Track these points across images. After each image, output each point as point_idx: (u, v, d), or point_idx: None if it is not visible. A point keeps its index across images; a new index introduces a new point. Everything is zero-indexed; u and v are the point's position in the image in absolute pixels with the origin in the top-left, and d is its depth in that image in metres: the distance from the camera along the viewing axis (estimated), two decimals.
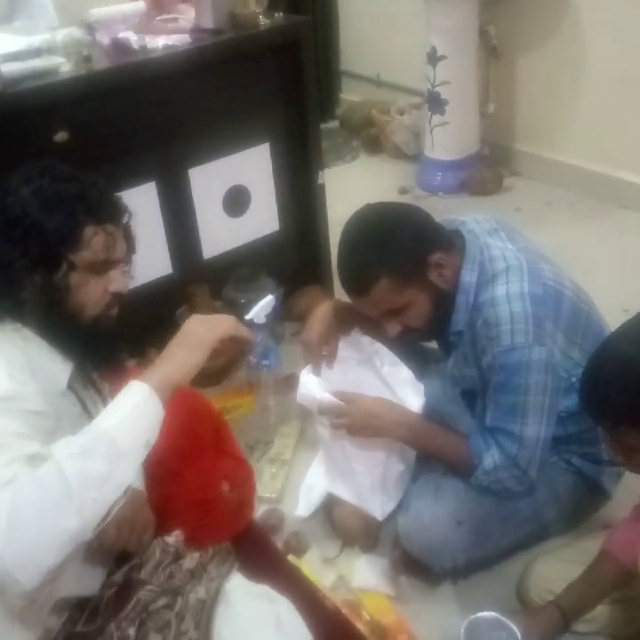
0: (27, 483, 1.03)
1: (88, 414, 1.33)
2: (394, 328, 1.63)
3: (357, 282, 1.58)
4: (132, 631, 1.28)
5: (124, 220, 1.35)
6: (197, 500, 1.62)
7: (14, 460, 1.06)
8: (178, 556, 1.40)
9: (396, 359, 1.79)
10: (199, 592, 1.36)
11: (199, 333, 1.30)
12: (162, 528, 1.43)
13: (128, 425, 1.16)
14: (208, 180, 2.32)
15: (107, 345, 1.33)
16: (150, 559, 1.39)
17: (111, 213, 1.31)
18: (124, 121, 2.06)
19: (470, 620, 1.43)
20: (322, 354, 1.77)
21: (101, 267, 1.29)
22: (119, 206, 1.34)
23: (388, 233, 1.55)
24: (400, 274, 1.54)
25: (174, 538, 1.43)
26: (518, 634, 1.39)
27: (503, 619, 1.42)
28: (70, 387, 1.30)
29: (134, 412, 1.18)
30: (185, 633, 1.29)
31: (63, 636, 1.30)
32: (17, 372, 1.17)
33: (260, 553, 1.72)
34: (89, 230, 1.26)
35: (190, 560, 1.40)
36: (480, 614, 1.44)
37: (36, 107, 1.88)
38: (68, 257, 1.25)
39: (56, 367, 1.27)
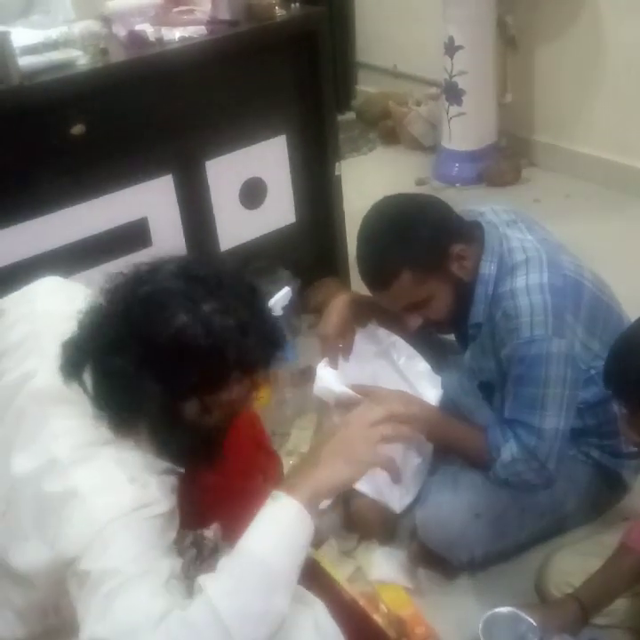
0: (181, 630, 0.95)
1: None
2: (415, 321, 1.62)
3: (378, 276, 1.57)
4: None
5: (279, 360, 1.18)
6: (240, 489, 1.61)
7: (157, 591, 0.98)
8: (216, 550, 1.39)
9: (413, 351, 1.78)
10: None
11: (358, 448, 1.13)
12: (201, 521, 1.41)
13: (283, 550, 1.04)
14: (225, 173, 2.31)
15: (215, 448, 1.23)
16: (187, 553, 1.36)
17: (267, 362, 1.15)
18: (140, 113, 2.06)
19: (488, 616, 1.42)
20: (338, 347, 1.77)
21: (235, 404, 1.17)
22: (277, 348, 1.16)
23: (408, 225, 1.54)
24: (421, 267, 1.53)
25: (213, 532, 1.42)
26: (537, 627, 1.38)
27: (521, 613, 1.41)
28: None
29: (289, 535, 1.05)
30: None
31: None
32: (137, 474, 1.07)
33: None
34: (235, 380, 1.11)
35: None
36: (497, 610, 1.43)
37: (54, 99, 1.88)
38: (201, 397, 1.12)
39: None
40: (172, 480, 1.16)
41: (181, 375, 1.07)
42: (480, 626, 1.39)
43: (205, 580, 1.01)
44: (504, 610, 1.43)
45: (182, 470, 1.17)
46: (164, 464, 1.15)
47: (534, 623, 1.39)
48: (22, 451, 1.10)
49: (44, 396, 1.13)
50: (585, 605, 1.48)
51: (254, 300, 1.14)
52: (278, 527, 1.05)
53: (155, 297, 1.08)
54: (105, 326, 1.10)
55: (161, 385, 1.07)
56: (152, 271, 1.12)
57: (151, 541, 1.04)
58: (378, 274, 1.57)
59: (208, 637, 0.96)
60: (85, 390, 1.11)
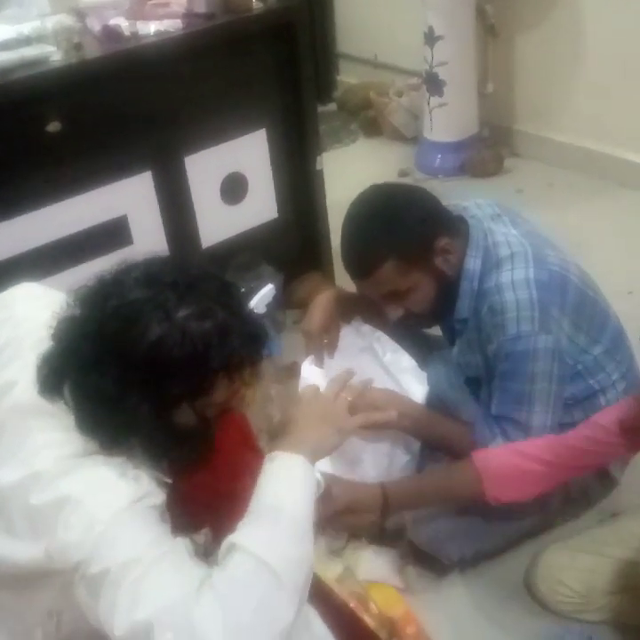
0: (228, 587, 0.96)
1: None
2: (395, 312, 1.61)
3: (361, 263, 1.55)
4: None
5: (263, 354, 1.16)
6: (227, 490, 1.59)
7: (184, 564, 0.99)
8: (207, 554, 1.37)
9: (398, 347, 1.77)
10: None
11: (338, 416, 1.26)
12: (190, 526, 1.39)
13: (301, 499, 1.09)
14: (205, 168, 2.28)
15: (203, 450, 1.18)
16: None
17: (251, 360, 1.11)
18: (117, 109, 2.01)
19: None
20: (323, 343, 1.75)
21: (225, 405, 1.14)
22: (260, 344, 1.13)
23: (395, 215, 1.52)
24: (405, 257, 1.52)
25: (203, 536, 1.40)
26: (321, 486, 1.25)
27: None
28: None
29: (301, 486, 1.11)
30: None
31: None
32: (126, 470, 1.05)
33: None
34: (222, 383, 1.08)
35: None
36: None
37: (27, 97, 1.83)
38: (189, 403, 1.08)
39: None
40: (159, 480, 1.13)
41: (165, 388, 1.03)
42: None
43: (236, 537, 1.02)
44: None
45: (170, 480, 1.14)
46: (154, 473, 1.12)
47: (322, 483, 1.25)
48: (4, 465, 1.06)
49: (25, 409, 1.10)
50: (387, 493, 1.46)
51: (229, 299, 1.09)
52: (292, 481, 1.10)
53: (124, 311, 1.02)
54: (79, 344, 1.05)
55: (146, 402, 1.03)
56: (117, 283, 1.06)
57: (158, 527, 1.03)
58: (361, 261, 1.55)
59: (259, 586, 0.96)
60: (68, 405, 1.07)
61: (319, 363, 1.74)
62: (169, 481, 1.14)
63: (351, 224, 1.57)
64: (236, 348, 1.06)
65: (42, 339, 1.09)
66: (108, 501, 1.01)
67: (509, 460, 1.41)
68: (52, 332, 1.07)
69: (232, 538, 1.03)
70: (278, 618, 0.97)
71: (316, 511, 1.19)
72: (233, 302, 1.10)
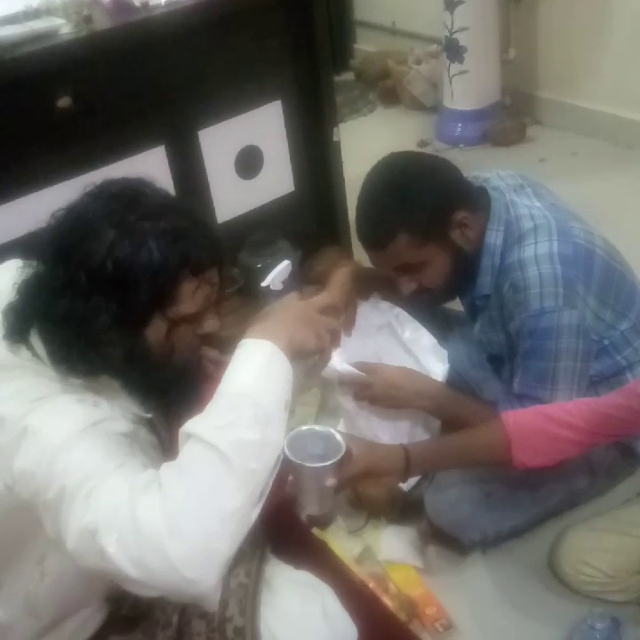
0: (177, 479, 0.92)
1: (162, 446, 1.21)
2: (408, 285, 1.57)
3: (375, 235, 1.51)
4: (175, 618, 1.25)
5: (224, 260, 1.15)
6: None
7: (138, 472, 0.96)
8: None
9: (418, 324, 1.72)
10: (239, 575, 1.31)
11: (319, 320, 1.15)
12: None
13: (265, 384, 1.01)
14: (219, 142, 2.23)
15: (190, 390, 1.15)
16: None
17: (214, 260, 1.10)
18: (129, 83, 1.97)
19: (295, 432, 1.25)
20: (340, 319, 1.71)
21: (196, 317, 1.12)
22: (221, 246, 1.13)
23: (411, 186, 1.48)
24: (420, 230, 1.47)
25: None
26: (342, 448, 1.24)
27: (333, 432, 1.28)
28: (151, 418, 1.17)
29: (267, 371, 1.02)
30: (230, 619, 1.25)
31: (108, 618, 1.27)
32: (89, 399, 1.05)
33: (287, 528, 1.68)
34: (188, 286, 1.07)
35: None
36: (309, 427, 1.29)
37: (37, 72, 1.79)
38: (159, 313, 1.07)
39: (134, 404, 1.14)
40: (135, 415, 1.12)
41: (132, 292, 1.03)
42: (286, 440, 1.16)
43: (188, 426, 0.97)
44: (318, 427, 1.30)
45: (148, 415, 1.13)
46: (129, 406, 1.11)
47: (343, 445, 1.24)
48: None
49: None
50: (410, 456, 1.39)
51: (180, 205, 1.11)
52: (255, 365, 1.02)
53: (78, 225, 1.04)
54: (42, 280, 1.07)
55: (116, 311, 1.03)
56: (68, 208, 1.08)
57: (116, 450, 1.00)
58: (374, 233, 1.51)
59: (204, 471, 0.93)
60: (35, 354, 1.07)
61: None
62: (147, 416, 1.12)
63: (366, 193, 1.53)
64: (194, 246, 1.06)
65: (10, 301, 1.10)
66: (62, 426, 1.00)
67: (539, 424, 1.35)
68: (15, 287, 1.09)
69: (184, 427, 0.98)
70: (224, 503, 0.92)
71: (336, 474, 1.19)
72: (182, 206, 1.11)
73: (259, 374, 1.02)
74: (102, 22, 1.95)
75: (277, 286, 1.92)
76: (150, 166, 2.09)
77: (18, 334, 1.07)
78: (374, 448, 1.43)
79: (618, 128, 3.27)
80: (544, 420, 1.35)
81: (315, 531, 1.73)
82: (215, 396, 1.02)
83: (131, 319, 1.05)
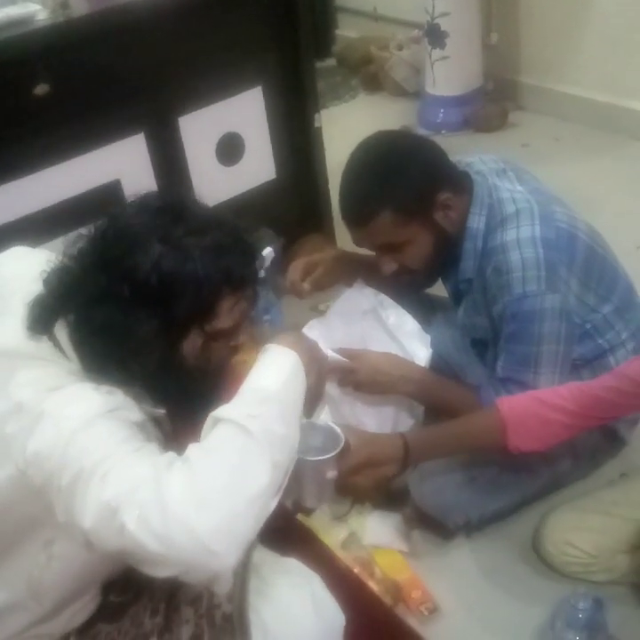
0: (201, 451, 0.96)
1: (165, 441, 1.19)
2: (389, 265, 1.57)
3: (357, 212, 1.51)
4: (162, 605, 1.25)
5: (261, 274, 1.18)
6: None
7: (157, 454, 0.98)
8: None
9: (401, 310, 1.72)
10: None
11: (320, 362, 1.22)
12: None
13: (291, 388, 1.08)
14: (199, 129, 2.21)
15: (213, 393, 1.17)
16: None
17: (253, 276, 1.13)
18: (107, 70, 1.95)
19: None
20: (304, 288, 1.72)
21: (232, 331, 1.14)
22: (258, 262, 1.16)
23: (395, 165, 1.48)
24: (403, 209, 1.47)
25: None
26: (342, 440, 1.25)
27: (331, 424, 1.29)
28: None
29: (294, 376, 1.10)
30: (218, 606, 1.25)
31: (96, 604, 1.25)
32: (103, 388, 1.05)
33: (273, 514, 1.68)
34: (227, 301, 1.09)
35: None
36: (305, 420, 1.24)
37: (13, 58, 1.78)
38: (197, 327, 1.09)
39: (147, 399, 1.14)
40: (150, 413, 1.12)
41: (173, 306, 1.04)
42: None
43: (219, 411, 1.00)
44: (316, 420, 1.31)
45: (162, 411, 1.13)
46: (144, 406, 1.11)
47: (342, 437, 1.26)
48: None
49: (12, 353, 1.08)
50: (408, 444, 1.40)
51: (222, 220, 1.13)
52: (284, 369, 1.09)
53: (124, 236, 1.05)
54: (77, 283, 1.06)
55: (157, 324, 1.04)
56: (111, 218, 1.09)
57: (133, 434, 1.01)
58: (357, 210, 1.51)
59: (234, 449, 0.96)
60: (58, 346, 1.07)
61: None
62: (160, 411, 1.13)
63: (351, 170, 1.53)
64: (236, 262, 1.08)
65: (32, 292, 1.09)
66: (79, 409, 1.00)
67: (533, 409, 1.36)
68: (43, 277, 1.09)
69: (215, 413, 1.01)
70: (252, 484, 0.95)
71: (336, 466, 1.22)
72: (225, 222, 1.13)
73: (287, 379, 1.08)
74: (79, 8, 1.94)
75: (260, 274, 1.90)
76: (130, 153, 2.08)
77: (42, 325, 1.07)
78: (372, 438, 1.44)
79: (600, 113, 3.27)
80: (537, 405, 1.36)
81: (299, 517, 1.73)
82: (242, 391, 1.06)
83: (170, 332, 1.07)
